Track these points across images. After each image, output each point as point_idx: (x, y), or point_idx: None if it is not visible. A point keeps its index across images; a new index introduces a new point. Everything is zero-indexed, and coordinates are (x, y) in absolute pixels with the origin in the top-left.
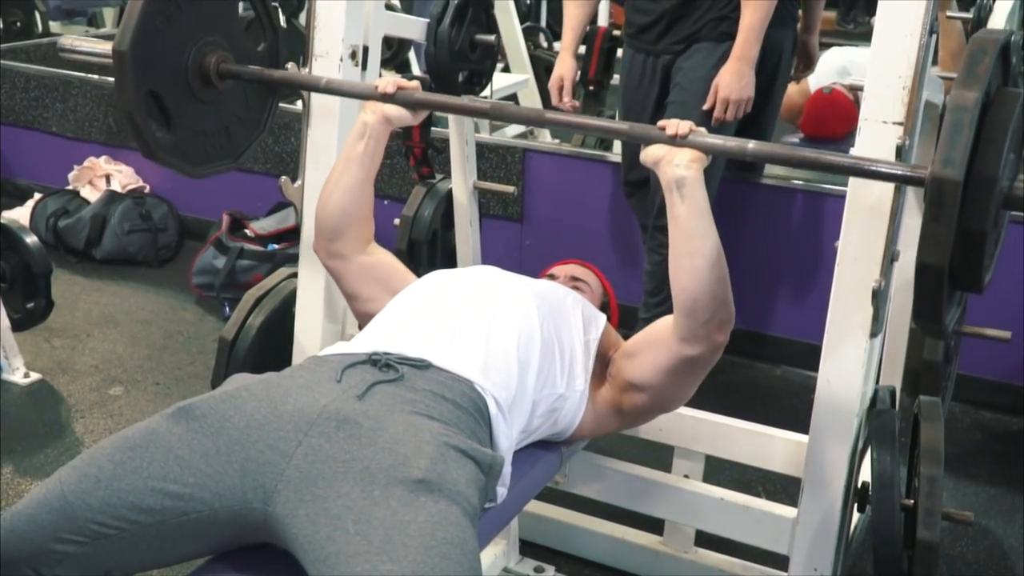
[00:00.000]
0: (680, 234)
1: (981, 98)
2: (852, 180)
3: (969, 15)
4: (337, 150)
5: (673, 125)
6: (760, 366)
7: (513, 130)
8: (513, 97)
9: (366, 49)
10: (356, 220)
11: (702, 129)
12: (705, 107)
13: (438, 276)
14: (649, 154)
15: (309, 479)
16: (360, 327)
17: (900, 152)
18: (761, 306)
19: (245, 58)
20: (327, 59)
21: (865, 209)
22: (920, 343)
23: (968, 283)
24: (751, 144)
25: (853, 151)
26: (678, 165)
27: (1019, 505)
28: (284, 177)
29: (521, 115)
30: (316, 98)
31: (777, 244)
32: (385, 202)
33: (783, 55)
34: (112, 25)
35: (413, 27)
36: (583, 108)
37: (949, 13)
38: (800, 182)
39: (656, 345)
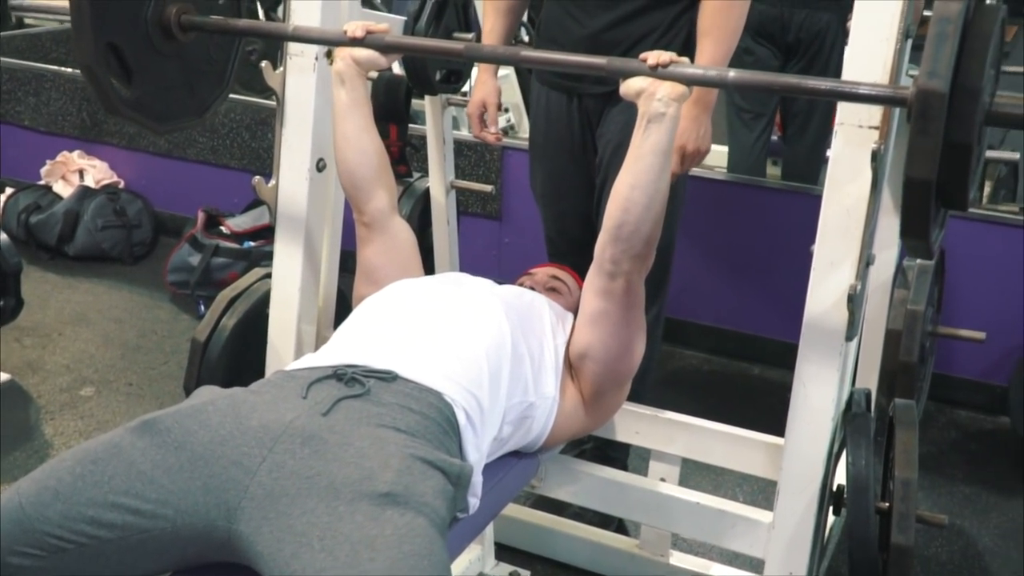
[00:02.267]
0: (636, 165)
1: (964, 9)
2: (828, 184)
3: None
4: (311, 150)
5: (654, 56)
6: (739, 365)
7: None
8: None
9: None
10: (376, 171)
11: (684, 59)
12: None
13: (405, 284)
14: (630, 87)
15: (273, 496)
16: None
17: (876, 156)
18: (740, 305)
19: (207, 9)
20: (302, 58)
21: (840, 213)
22: (896, 345)
23: (954, 199)
24: (731, 73)
25: (829, 154)
26: (660, 99)
27: (993, 504)
28: (257, 177)
29: (496, 54)
30: (290, 97)
31: (759, 244)
32: None
33: (826, 42)
34: None
35: (390, 25)
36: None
37: None
38: (779, 184)
39: (584, 300)
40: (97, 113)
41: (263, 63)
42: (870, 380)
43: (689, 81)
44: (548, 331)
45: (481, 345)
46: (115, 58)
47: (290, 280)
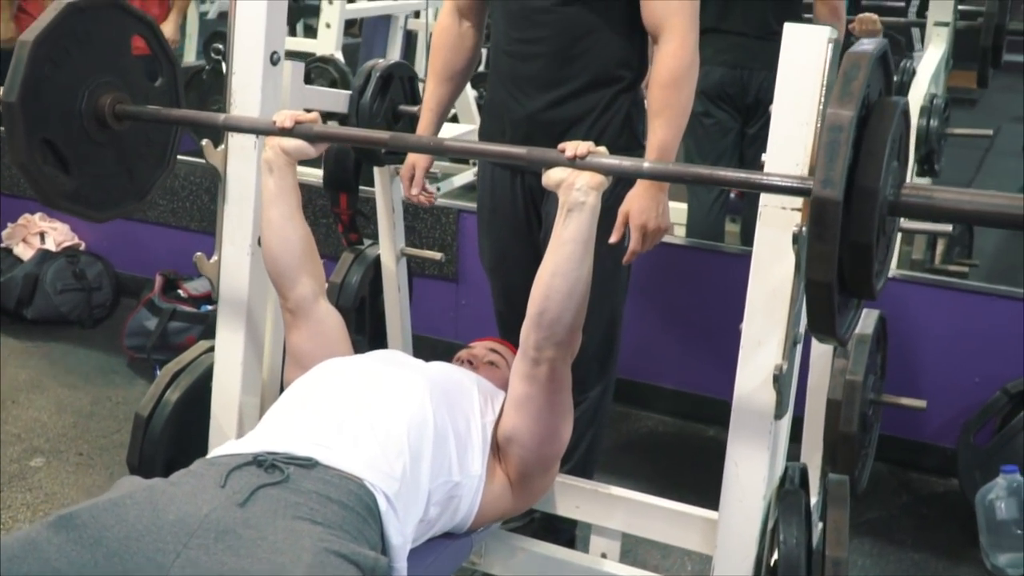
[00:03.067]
0: (557, 253)
1: (856, 116)
2: (753, 265)
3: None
4: (253, 227)
5: (572, 146)
6: (694, 427)
7: (449, 187)
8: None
9: None
10: (300, 259)
11: (601, 149)
12: (613, 239)
13: (330, 366)
14: (551, 177)
15: None
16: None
17: (797, 239)
18: (696, 367)
19: (142, 94)
20: (243, 135)
21: (766, 293)
22: (836, 415)
23: (860, 291)
24: (646, 164)
25: (756, 237)
26: (579, 189)
27: (943, 570)
28: (199, 254)
29: (420, 143)
30: (232, 174)
31: (715, 307)
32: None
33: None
34: None
35: (335, 100)
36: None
37: None
38: (735, 249)
39: (510, 384)
40: None
41: (204, 141)
42: (816, 449)
43: (606, 171)
44: (476, 409)
45: (403, 428)
46: (51, 152)
47: (233, 354)
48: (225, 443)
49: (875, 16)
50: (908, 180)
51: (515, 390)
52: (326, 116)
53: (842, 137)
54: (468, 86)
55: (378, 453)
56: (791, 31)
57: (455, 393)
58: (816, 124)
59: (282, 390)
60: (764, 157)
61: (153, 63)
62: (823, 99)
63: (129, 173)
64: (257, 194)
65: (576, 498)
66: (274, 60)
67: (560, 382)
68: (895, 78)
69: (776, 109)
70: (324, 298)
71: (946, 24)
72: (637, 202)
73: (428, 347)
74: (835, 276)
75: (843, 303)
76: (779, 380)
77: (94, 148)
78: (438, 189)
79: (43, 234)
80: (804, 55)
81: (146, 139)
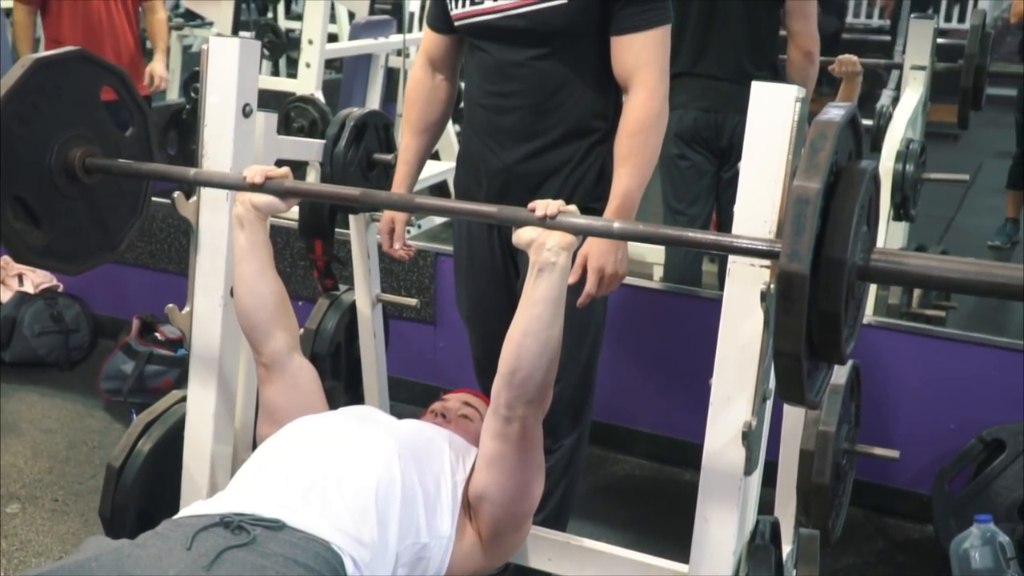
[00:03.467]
0: (527, 313)
1: (823, 188)
2: (723, 320)
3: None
4: (225, 278)
5: (542, 206)
6: (671, 470)
7: (427, 229)
8: (444, 185)
9: None
10: (273, 313)
11: (572, 207)
12: (571, 281)
13: (301, 425)
14: (521, 237)
15: None
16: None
17: (764, 296)
18: (673, 411)
19: (113, 146)
20: (214, 188)
21: (736, 349)
22: (810, 466)
23: (828, 356)
24: (616, 224)
25: (724, 294)
26: (550, 250)
27: None
28: (171, 305)
29: (391, 201)
30: (204, 226)
31: (691, 351)
32: (299, 303)
33: None
34: None
35: (309, 149)
36: None
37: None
38: (711, 294)
39: (482, 442)
40: None
41: (175, 194)
42: (790, 497)
43: (576, 231)
44: (447, 468)
45: (370, 489)
46: (21, 208)
47: (204, 406)
48: (193, 503)
49: (854, 58)
50: (883, 225)
51: (486, 448)
52: (301, 162)
53: (808, 211)
54: (450, 122)
55: (345, 516)
56: (759, 90)
57: (424, 452)
58: (784, 182)
59: (255, 444)
60: (734, 209)
61: (124, 109)
62: (791, 156)
63: (101, 225)
64: (229, 246)
65: (548, 550)
66: (246, 112)
67: (532, 439)
68: (872, 122)
69: (744, 167)
70: (298, 352)
71: (923, 68)
72: (596, 246)
73: (405, 389)
74: (803, 346)
75: (812, 368)
76: (748, 437)
77: (65, 202)
78: (419, 227)
79: (21, 276)
80: (772, 113)
81: (118, 189)
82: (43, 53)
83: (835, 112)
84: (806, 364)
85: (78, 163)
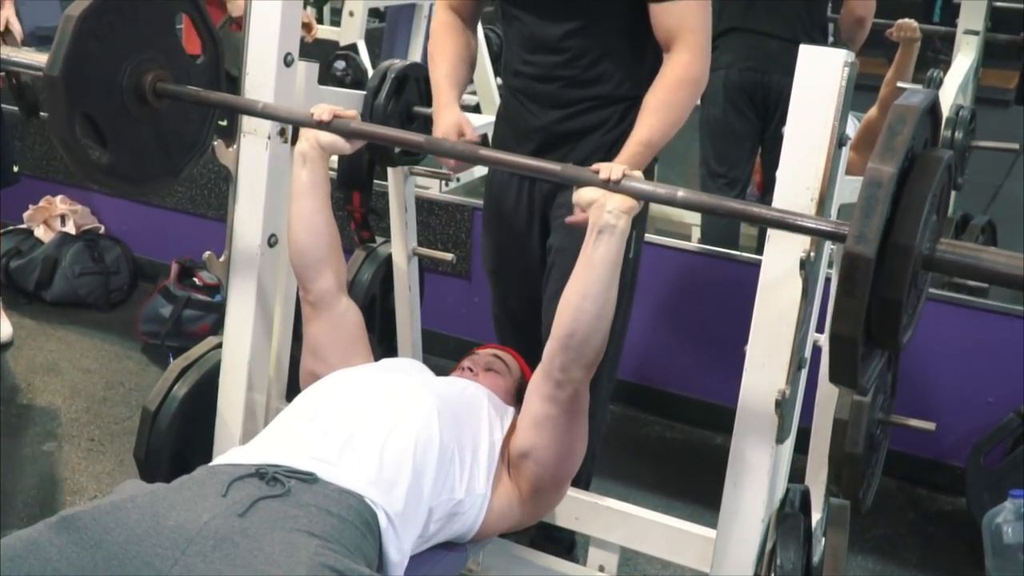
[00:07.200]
0: (584, 274)
1: (897, 172)
2: (760, 287)
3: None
4: (263, 226)
5: (607, 168)
6: (702, 433)
7: (465, 183)
8: (485, 138)
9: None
10: (326, 253)
11: (636, 173)
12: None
13: (341, 377)
14: (582, 196)
15: None
16: (301, 388)
17: (804, 265)
18: (705, 374)
19: (184, 71)
20: (255, 136)
21: (772, 317)
22: (843, 435)
23: (884, 343)
24: (680, 193)
25: (763, 260)
26: (610, 212)
27: None
28: (208, 252)
29: (455, 150)
30: (243, 174)
31: (725, 314)
32: None
33: None
34: None
35: (349, 101)
36: None
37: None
38: (747, 258)
39: (528, 401)
40: None
41: (216, 141)
42: (822, 464)
43: (640, 196)
44: (485, 427)
45: (408, 446)
46: (90, 126)
47: (240, 353)
48: (229, 451)
49: (914, 23)
50: None
51: (535, 408)
52: None
53: (880, 193)
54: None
55: (381, 472)
56: (806, 53)
57: (464, 410)
58: (829, 149)
59: (291, 384)
60: (776, 174)
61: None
62: (837, 123)
63: (165, 150)
64: (267, 195)
65: (576, 509)
66: (287, 61)
67: (581, 403)
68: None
69: (788, 132)
70: (345, 294)
71: (976, 33)
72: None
73: (438, 343)
74: (861, 331)
75: (867, 353)
76: (781, 405)
77: (132, 124)
78: (457, 180)
79: (63, 216)
80: (819, 78)
81: (184, 117)
82: None
83: (916, 97)
84: (861, 349)
85: (149, 86)
